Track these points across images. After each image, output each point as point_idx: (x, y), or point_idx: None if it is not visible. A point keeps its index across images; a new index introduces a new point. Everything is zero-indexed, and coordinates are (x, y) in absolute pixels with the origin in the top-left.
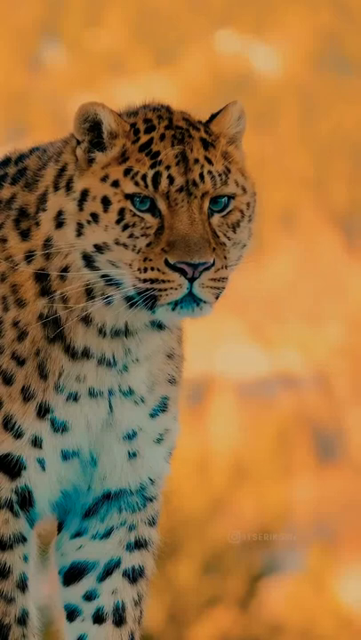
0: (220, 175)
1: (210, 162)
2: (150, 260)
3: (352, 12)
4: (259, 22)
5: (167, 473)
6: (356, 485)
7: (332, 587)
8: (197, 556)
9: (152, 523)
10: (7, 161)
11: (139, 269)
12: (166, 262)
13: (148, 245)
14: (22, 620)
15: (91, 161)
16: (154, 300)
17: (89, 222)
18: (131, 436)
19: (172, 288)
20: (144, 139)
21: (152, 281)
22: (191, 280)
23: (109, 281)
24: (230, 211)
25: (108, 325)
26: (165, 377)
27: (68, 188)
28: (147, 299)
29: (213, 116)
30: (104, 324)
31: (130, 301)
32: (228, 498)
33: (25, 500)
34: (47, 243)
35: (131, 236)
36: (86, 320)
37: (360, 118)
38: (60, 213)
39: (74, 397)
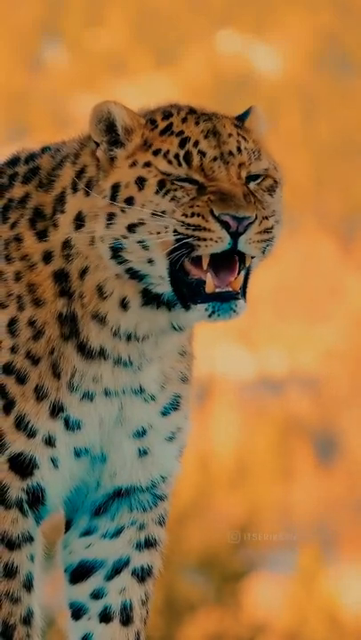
0: (253, 151)
1: (244, 138)
2: (197, 206)
3: (352, 12)
4: (259, 22)
5: (178, 471)
6: (352, 486)
7: (325, 587)
8: (194, 555)
9: (161, 522)
10: (16, 160)
11: (184, 215)
12: (212, 213)
13: (192, 199)
14: (27, 619)
15: (112, 160)
16: (191, 250)
17: (122, 210)
18: (140, 434)
19: (211, 239)
20: (163, 124)
21: (195, 228)
22: (235, 236)
23: (134, 275)
24: (264, 178)
25: (123, 329)
26: (178, 375)
27: (88, 189)
28: (184, 247)
29: (237, 118)
30: (118, 327)
31: (156, 300)
32: (223, 497)
33: (36, 499)
34: (66, 244)
35: (173, 198)
36: (101, 320)
37: (360, 118)
38: (79, 215)
39: (89, 397)
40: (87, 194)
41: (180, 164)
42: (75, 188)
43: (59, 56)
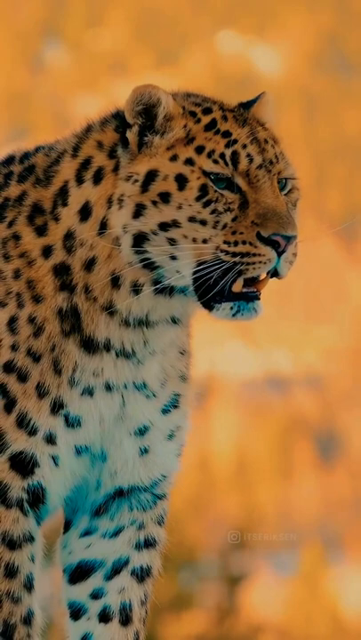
0: (284, 155)
1: (276, 142)
2: (241, 233)
3: (353, 12)
4: (260, 23)
5: (178, 470)
6: (354, 486)
7: (328, 587)
8: (195, 555)
9: (161, 522)
10: (11, 159)
11: (227, 243)
12: (258, 236)
13: (233, 220)
14: (28, 619)
15: (141, 145)
16: (238, 274)
17: (155, 203)
18: (142, 432)
19: (261, 262)
20: (206, 119)
21: (242, 255)
22: (280, 254)
23: (148, 265)
24: (290, 189)
25: (133, 315)
26: (177, 373)
27: (98, 179)
28: (228, 272)
29: (245, 105)
30: (129, 313)
31: (166, 288)
32: (224, 497)
33: (36, 498)
34: (68, 236)
35: (214, 211)
36: (112, 310)
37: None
38: (85, 206)
39: (89, 392)
40: (97, 182)
41: (226, 164)
42: (80, 180)
43: (60, 56)
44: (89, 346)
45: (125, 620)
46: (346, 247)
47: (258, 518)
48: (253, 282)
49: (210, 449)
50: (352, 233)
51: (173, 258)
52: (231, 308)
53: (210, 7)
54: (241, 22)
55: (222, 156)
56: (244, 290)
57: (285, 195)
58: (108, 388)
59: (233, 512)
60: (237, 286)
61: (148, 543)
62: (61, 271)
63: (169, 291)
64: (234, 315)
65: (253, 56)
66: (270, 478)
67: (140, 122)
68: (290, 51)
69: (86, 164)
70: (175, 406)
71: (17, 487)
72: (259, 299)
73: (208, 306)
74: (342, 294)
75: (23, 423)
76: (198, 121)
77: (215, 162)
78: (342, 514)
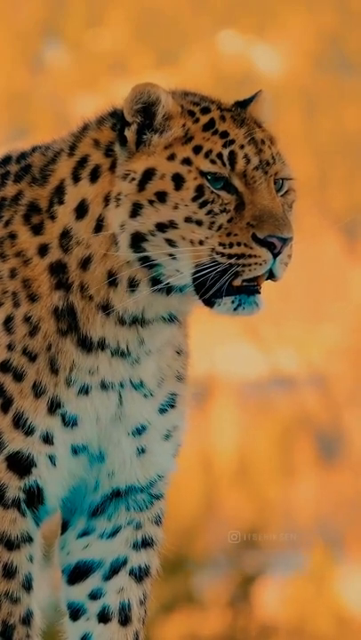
0: (280, 156)
1: (273, 143)
2: (235, 235)
3: (353, 12)
4: (261, 22)
5: (174, 470)
6: (356, 486)
7: (333, 588)
8: (202, 555)
9: (158, 521)
10: (8, 159)
11: (222, 245)
12: (254, 237)
13: (229, 221)
14: (27, 620)
15: (140, 143)
16: (235, 276)
17: (151, 202)
18: (140, 431)
19: (256, 263)
20: (204, 119)
21: (238, 257)
22: (275, 255)
23: (146, 264)
24: (287, 191)
25: (128, 313)
26: (174, 373)
27: (94, 177)
28: (225, 273)
29: (242, 103)
30: (125, 311)
31: (169, 288)
32: (227, 497)
33: (34, 498)
34: (64, 234)
35: (209, 212)
36: (108, 309)
37: None
38: (82, 204)
39: (85, 391)
40: (94, 181)
41: (223, 165)
42: (76, 178)
43: (60, 56)
44: (85, 345)
45: (125, 619)
46: (348, 246)
47: (261, 518)
48: (253, 278)
49: (214, 449)
50: (355, 232)
51: (173, 257)
52: (232, 302)
53: (210, 7)
54: (241, 22)
55: (220, 156)
56: (245, 283)
57: (282, 196)
58: (104, 386)
59: (236, 512)
60: (237, 280)
61: (146, 543)
62: (57, 270)
63: (167, 289)
64: (235, 309)
65: (253, 56)
66: (274, 478)
67: (138, 120)
68: (290, 51)
69: (83, 162)
70: (172, 406)
71: (14, 487)
72: (259, 292)
73: (209, 302)
74: (345, 293)
75: (20, 423)
76: (197, 120)
77: (212, 162)
78: (345, 513)
